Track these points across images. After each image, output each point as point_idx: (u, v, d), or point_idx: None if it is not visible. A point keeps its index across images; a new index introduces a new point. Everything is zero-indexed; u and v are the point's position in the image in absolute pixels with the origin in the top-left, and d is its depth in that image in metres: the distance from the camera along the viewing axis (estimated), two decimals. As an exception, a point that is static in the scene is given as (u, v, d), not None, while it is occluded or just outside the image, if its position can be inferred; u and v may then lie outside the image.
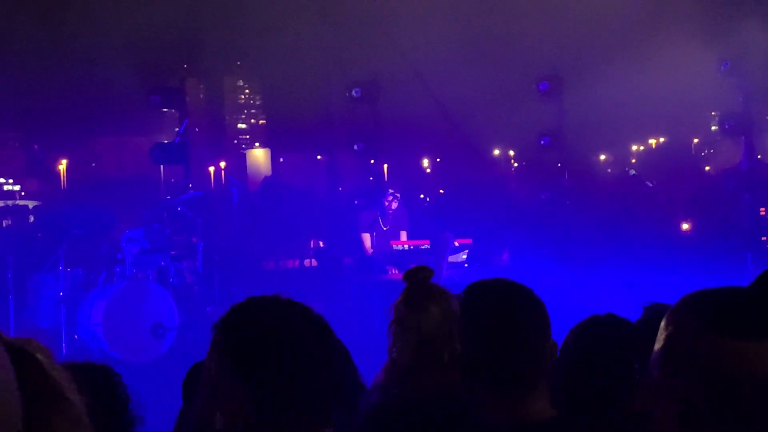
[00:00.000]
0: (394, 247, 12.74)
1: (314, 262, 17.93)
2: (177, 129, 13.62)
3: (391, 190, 13.28)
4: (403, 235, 13.16)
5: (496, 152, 53.69)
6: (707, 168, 45.47)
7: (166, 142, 15.05)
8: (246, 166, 53.92)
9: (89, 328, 11.29)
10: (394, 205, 13.13)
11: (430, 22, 19.01)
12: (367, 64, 17.58)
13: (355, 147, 14.91)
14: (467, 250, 12.87)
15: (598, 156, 50.68)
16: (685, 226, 17.87)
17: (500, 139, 42.55)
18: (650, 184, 15.15)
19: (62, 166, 54.60)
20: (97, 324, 11.17)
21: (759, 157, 18.40)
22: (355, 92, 14.58)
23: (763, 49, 14.08)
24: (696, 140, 59.74)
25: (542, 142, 15.27)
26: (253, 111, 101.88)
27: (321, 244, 18.57)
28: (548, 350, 2.99)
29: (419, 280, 4.02)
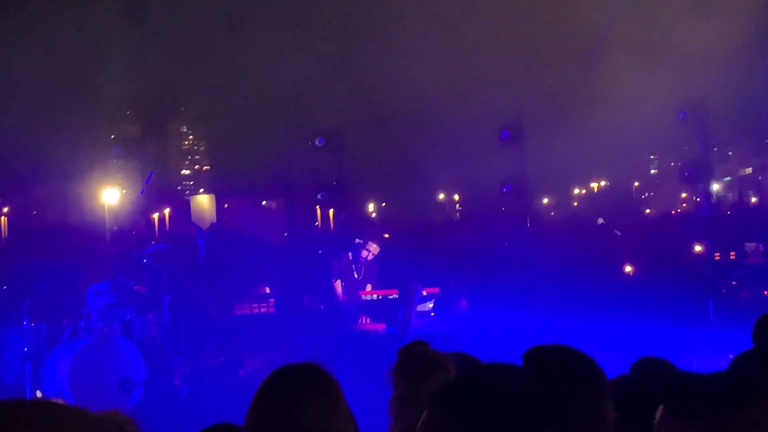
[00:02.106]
0: (363, 297, 12.74)
1: (270, 307, 17.85)
2: (144, 181, 13.50)
3: (358, 240, 13.31)
4: (368, 287, 13.19)
5: (441, 196, 53.99)
6: (647, 211, 46.20)
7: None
8: (190, 213, 53.50)
9: (55, 383, 11.10)
10: (371, 257, 13.20)
11: (391, 70, 19.16)
12: (327, 113, 17.65)
13: (319, 196, 14.92)
14: (434, 299, 12.89)
15: (542, 200, 51.24)
16: (628, 269, 18.10)
17: (448, 184, 42.75)
18: (618, 233, 15.35)
19: (2, 213, 53.80)
20: (63, 379, 10.98)
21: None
22: (319, 141, 14.61)
23: (722, 99, 14.45)
24: (636, 183, 60.80)
25: (504, 189, 15.42)
26: (197, 157, 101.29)
27: (267, 290, 18.49)
28: (609, 419, 3.03)
29: (417, 355, 4.02)
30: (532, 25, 18.31)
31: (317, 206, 16.51)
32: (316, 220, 18.00)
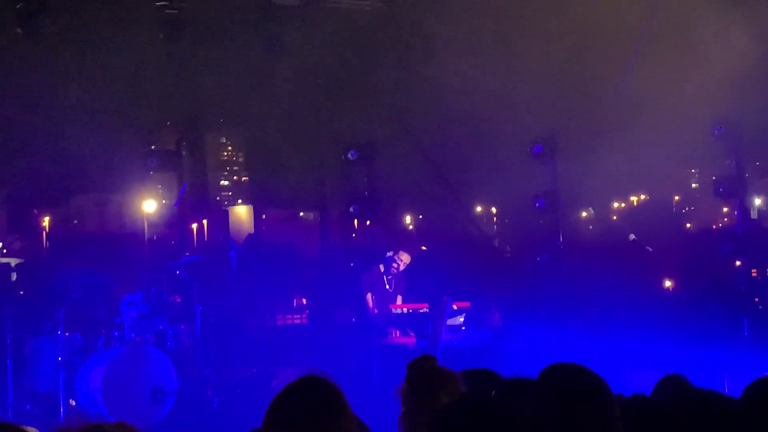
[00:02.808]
0: (393, 310, 12.77)
1: (304, 319, 17.94)
2: (178, 193, 13.65)
3: (390, 253, 13.35)
4: (399, 300, 13.23)
5: (479, 209, 53.85)
6: (688, 225, 45.76)
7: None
8: (228, 223, 53.84)
9: (88, 393, 11.22)
10: (402, 267, 13.25)
11: (425, 85, 19.20)
12: (360, 126, 17.70)
13: (351, 209, 14.99)
14: (464, 314, 12.89)
15: (580, 213, 50.93)
16: (667, 284, 17.95)
17: (486, 197, 42.72)
18: (650, 249, 15.24)
19: (45, 223, 54.34)
20: (96, 389, 11.10)
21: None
22: (351, 155, 14.67)
23: (757, 113, 14.34)
24: (677, 197, 60.25)
25: (536, 204, 15.39)
26: (235, 168, 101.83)
27: (304, 301, 18.57)
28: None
29: (425, 370, 4.03)
30: (567, 39, 18.28)
31: (354, 219, 16.56)
32: (351, 233, 18.02)
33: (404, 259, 13.32)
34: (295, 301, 18.69)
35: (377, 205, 15.44)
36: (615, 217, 57.44)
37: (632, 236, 15.31)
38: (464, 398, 3.13)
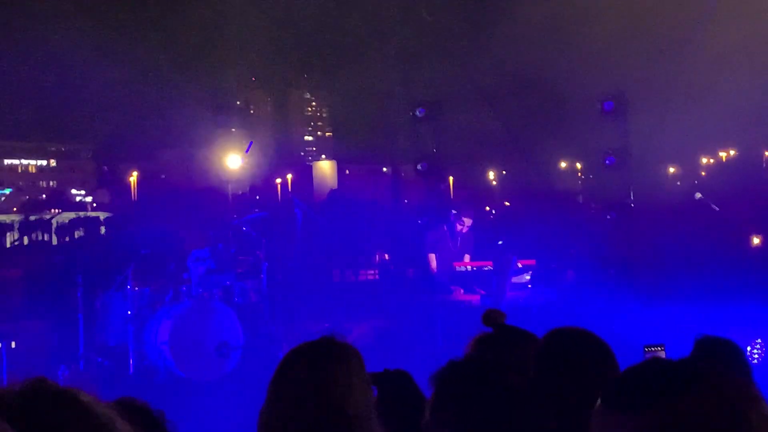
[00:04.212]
0: (457, 268, 12.77)
1: (376, 275, 18.05)
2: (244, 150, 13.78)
3: (454, 211, 13.33)
4: (467, 258, 13.23)
5: (563, 165, 53.28)
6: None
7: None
8: (312, 178, 54.19)
9: (156, 346, 11.46)
10: (465, 230, 13.24)
11: (496, 44, 19.03)
12: (432, 83, 17.65)
13: (419, 167, 14.97)
14: (530, 272, 12.82)
15: (667, 169, 50.07)
16: (756, 241, 17.51)
17: (567, 153, 42.35)
18: (716, 208, 14.87)
19: (132, 177, 55.42)
20: (164, 342, 11.33)
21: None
22: (419, 112, 14.62)
23: None
24: (768, 153, 58.73)
25: (607, 161, 15.17)
26: (319, 123, 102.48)
27: (386, 257, 18.65)
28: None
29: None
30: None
31: (423, 176, 16.55)
32: (420, 190, 18.02)
33: (466, 222, 13.30)
34: (377, 256, 18.82)
35: (444, 163, 15.39)
36: (703, 173, 56.34)
37: (698, 195, 14.96)
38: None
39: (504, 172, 49.42)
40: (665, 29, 18.89)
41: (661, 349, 5.71)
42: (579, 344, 3.32)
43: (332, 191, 38.58)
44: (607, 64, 18.09)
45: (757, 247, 17.44)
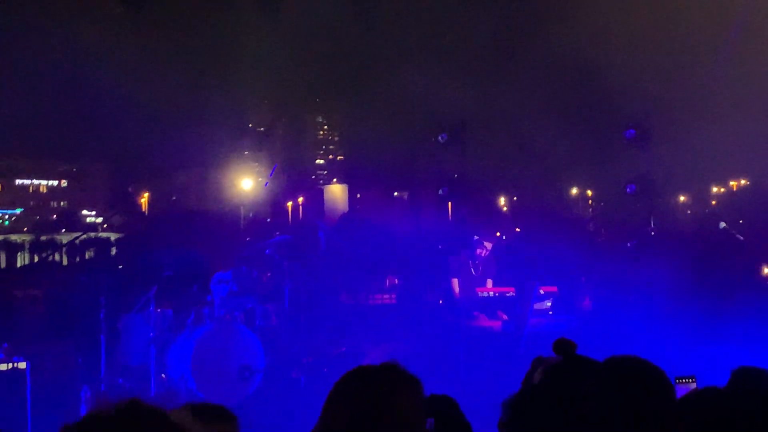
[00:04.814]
0: (480, 294, 12.77)
1: (393, 299, 18.02)
2: (268, 174, 13.86)
3: (476, 237, 13.34)
4: (489, 283, 13.23)
5: (574, 191, 53.32)
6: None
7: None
8: (323, 202, 54.27)
9: (178, 368, 11.46)
10: (485, 253, 13.24)
11: (517, 70, 19.12)
12: (454, 107, 17.70)
13: (440, 192, 15.00)
14: (552, 298, 12.81)
15: (678, 197, 50.11)
16: (766, 272, 17.48)
17: (578, 180, 42.39)
18: (741, 238, 14.87)
19: (144, 199, 55.55)
20: (186, 364, 11.33)
21: None
22: (442, 137, 14.67)
23: None
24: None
25: (628, 189, 15.19)
26: (331, 147, 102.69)
27: (396, 281, 18.63)
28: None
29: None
30: (663, 22, 17.99)
31: (448, 202, 16.58)
32: (442, 215, 18.07)
33: (487, 245, 13.32)
34: (387, 281, 18.79)
35: (466, 188, 15.43)
36: (714, 202, 56.36)
37: (723, 224, 14.95)
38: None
39: (515, 198, 49.41)
40: (685, 58, 18.97)
41: (693, 381, 5.69)
42: (644, 374, 3.33)
43: (343, 214, 38.61)
44: (628, 93, 18.13)
45: (765, 277, 17.41)
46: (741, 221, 15.73)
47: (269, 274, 13.36)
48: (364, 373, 3.39)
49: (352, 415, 3.22)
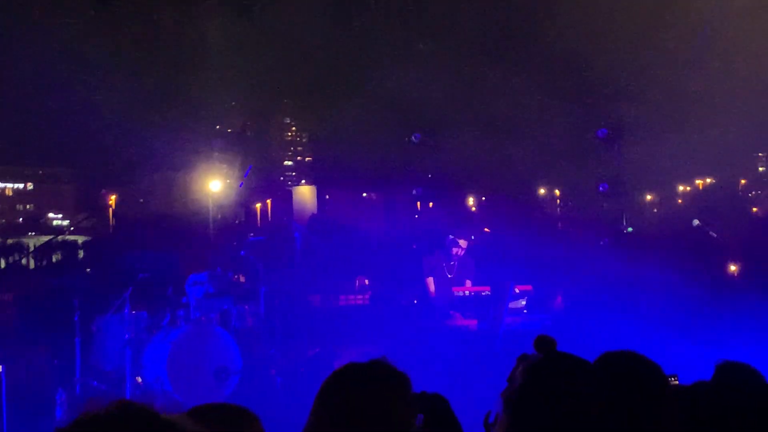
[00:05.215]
0: (456, 293, 12.80)
1: (366, 300, 18.03)
2: (243, 175, 13.82)
3: (451, 236, 13.37)
4: (468, 284, 13.25)
5: (542, 191, 53.53)
6: (755, 209, 45.11)
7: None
8: (292, 203, 53.99)
9: (154, 370, 11.41)
10: (461, 253, 13.27)
11: (493, 71, 19.20)
12: (426, 107, 17.73)
13: (414, 192, 15.03)
14: (526, 297, 12.86)
15: (645, 196, 50.48)
16: (732, 269, 17.69)
17: (548, 180, 42.50)
18: (714, 235, 15.02)
19: (111, 201, 55.18)
20: (162, 366, 11.28)
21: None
22: (415, 137, 14.69)
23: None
24: (743, 181, 59.42)
25: (600, 188, 15.30)
26: (299, 148, 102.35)
27: (366, 282, 18.65)
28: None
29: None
30: (633, 25, 18.13)
31: (417, 202, 16.60)
32: (414, 215, 18.10)
33: (462, 244, 13.35)
34: (357, 281, 18.81)
35: (440, 189, 15.46)
36: (680, 201, 56.81)
37: (696, 221, 15.09)
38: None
39: (483, 198, 49.43)
40: (654, 62, 19.14)
41: (675, 379, 5.74)
42: (640, 367, 3.36)
43: (312, 216, 38.51)
44: (600, 95, 18.27)
45: (733, 274, 17.62)
46: (710, 220, 15.85)
47: (244, 276, 13.33)
48: (353, 369, 3.38)
49: (343, 412, 3.22)
